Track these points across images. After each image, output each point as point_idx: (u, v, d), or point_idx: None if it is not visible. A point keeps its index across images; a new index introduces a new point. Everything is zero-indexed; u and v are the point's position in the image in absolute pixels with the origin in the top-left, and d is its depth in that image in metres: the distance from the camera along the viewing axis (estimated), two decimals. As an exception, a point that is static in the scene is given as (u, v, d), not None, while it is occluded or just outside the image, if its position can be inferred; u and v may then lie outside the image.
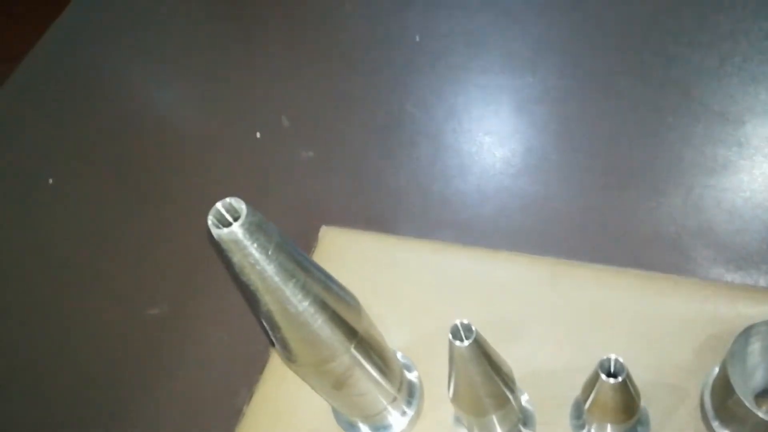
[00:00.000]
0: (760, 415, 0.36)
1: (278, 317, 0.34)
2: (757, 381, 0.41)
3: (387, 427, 0.48)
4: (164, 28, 0.91)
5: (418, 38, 0.76)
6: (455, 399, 0.40)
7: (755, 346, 0.40)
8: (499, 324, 0.49)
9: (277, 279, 0.32)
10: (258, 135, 0.72)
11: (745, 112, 0.59)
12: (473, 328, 0.35)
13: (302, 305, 0.34)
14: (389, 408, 0.47)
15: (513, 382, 0.41)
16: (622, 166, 0.58)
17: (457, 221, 0.59)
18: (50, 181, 0.75)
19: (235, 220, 0.29)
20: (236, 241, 0.30)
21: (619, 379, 0.36)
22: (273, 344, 0.38)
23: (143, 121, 0.79)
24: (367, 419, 0.48)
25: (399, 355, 0.52)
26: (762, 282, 0.49)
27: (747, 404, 0.36)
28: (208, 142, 0.74)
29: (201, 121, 0.78)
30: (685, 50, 0.64)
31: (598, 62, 0.67)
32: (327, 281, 0.36)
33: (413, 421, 0.49)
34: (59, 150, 0.79)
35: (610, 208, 0.56)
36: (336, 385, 0.41)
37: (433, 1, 0.79)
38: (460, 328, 0.36)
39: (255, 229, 0.30)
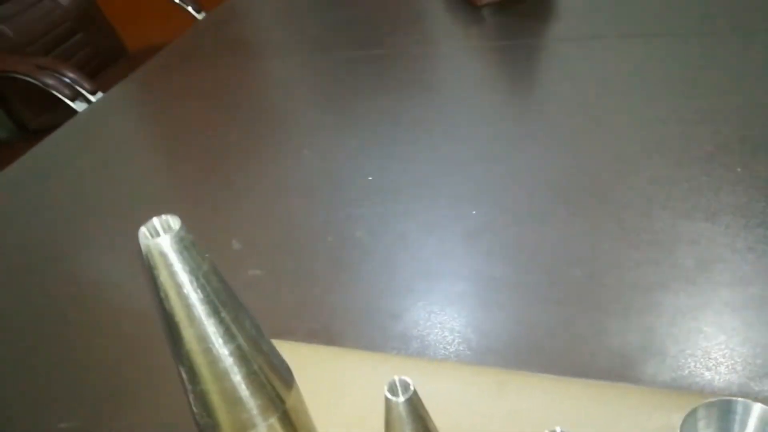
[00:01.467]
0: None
1: (198, 360, 0.32)
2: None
3: None
4: (124, 158, 0.95)
5: (370, 178, 0.80)
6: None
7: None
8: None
9: (201, 310, 0.31)
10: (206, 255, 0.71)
11: (675, 241, 0.62)
12: (411, 386, 0.33)
13: (224, 349, 0.32)
14: None
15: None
16: (563, 285, 0.60)
17: (403, 335, 0.58)
18: (-21, 295, 0.72)
19: (168, 235, 0.29)
20: (164, 255, 0.29)
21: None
22: (193, 411, 0.35)
23: (84, 240, 0.79)
24: None
25: (334, 467, 0.47)
26: (708, 388, 0.48)
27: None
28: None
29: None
30: (615, 192, 0.70)
31: (535, 201, 0.71)
32: (258, 335, 0.35)
33: None
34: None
35: (554, 323, 0.56)
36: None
37: (386, 152, 0.85)
38: (398, 385, 0.33)
39: (187, 246, 0.30)
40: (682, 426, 0.37)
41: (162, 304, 0.30)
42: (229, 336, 0.32)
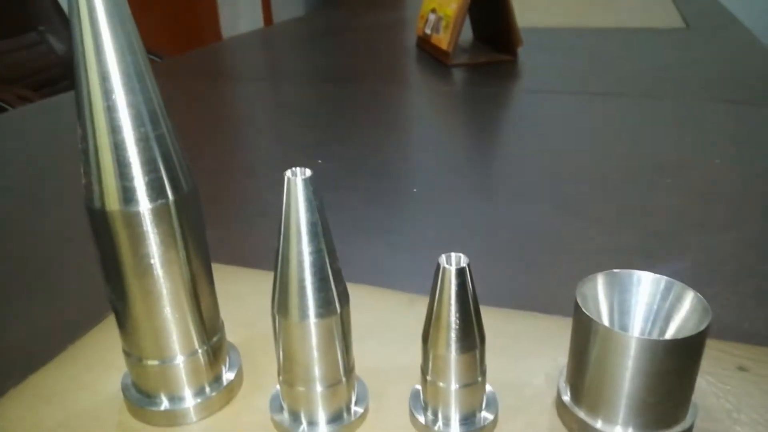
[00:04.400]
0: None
1: (96, 104, 0.31)
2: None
3: (182, 399, 0.39)
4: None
5: (320, 161, 0.82)
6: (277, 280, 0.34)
7: (601, 300, 0.37)
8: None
9: (110, 46, 0.31)
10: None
11: (608, 223, 0.64)
12: (310, 174, 0.33)
13: (123, 100, 0.31)
14: (187, 364, 0.38)
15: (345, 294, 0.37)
16: (489, 243, 0.60)
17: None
18: None
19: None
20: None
21: (462, 264, 0.34)
22: (81, 176, 0.33)
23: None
24: (166, 387, 0.38)
25: (231, 346, 0.44)
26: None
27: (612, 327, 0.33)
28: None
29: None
30: (557, 188, 0.72)
31: (479, 184, 0.73)
32: (163, 114, 0.34)
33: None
34: None
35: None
36: (137, 270, 0.34)
37: (340, 144, 0.87)
38: (298, 172, 0.33)
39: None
40: (578, 289, 0.36)
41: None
42: (130, 87, 0.32)
